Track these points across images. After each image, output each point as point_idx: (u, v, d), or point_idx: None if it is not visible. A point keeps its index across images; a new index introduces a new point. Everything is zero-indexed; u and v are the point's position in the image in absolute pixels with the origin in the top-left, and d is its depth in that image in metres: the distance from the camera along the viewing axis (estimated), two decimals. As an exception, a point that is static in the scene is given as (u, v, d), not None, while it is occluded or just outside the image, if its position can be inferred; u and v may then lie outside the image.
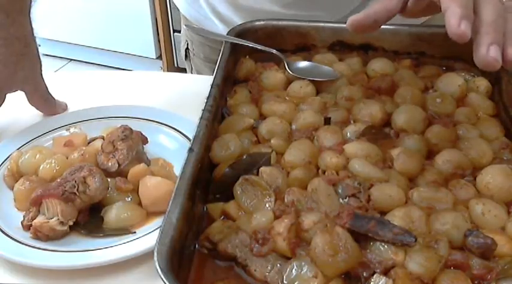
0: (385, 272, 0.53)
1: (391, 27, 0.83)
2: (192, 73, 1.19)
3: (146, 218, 0.72)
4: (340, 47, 0.86)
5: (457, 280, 0.51)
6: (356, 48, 0.85)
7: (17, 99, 0.91)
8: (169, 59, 2.86)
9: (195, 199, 0.59)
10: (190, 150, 0.61)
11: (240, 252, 0.56)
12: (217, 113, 0.72)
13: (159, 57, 2.86)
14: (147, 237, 0.68)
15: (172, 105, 0.92)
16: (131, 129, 0.80)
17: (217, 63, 0.77)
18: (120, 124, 0.81)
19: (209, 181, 0.65)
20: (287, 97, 0.78)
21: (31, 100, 0.92)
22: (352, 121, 0.73)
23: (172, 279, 0.48)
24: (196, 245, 0.58)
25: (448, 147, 0.67)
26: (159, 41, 2.80)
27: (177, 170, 0.74)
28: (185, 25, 1.06)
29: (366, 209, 0.58)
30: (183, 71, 1.28)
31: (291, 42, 0.87)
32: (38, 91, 0.92)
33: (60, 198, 0.69)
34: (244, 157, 0.66)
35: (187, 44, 1.16)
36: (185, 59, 1.20)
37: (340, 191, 0.60)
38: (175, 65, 2.88)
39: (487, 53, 0.57)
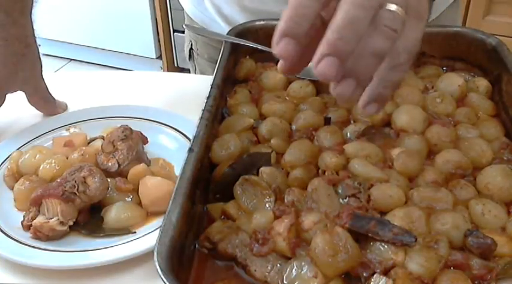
0: (385, 272, 0.53)
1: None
2: (195, 73, 1.19)
3: (146, 218, 0.72)
4: (340, 47, 0.85)
5: (457, 280, 0.51)
6: (356, 48, 0.85)
7: (17, 99, 0.91)
8: (169, 59, 2.86)
9: (195, 199, 0.59)
10: (190, 150, 0.61)
11: (240, 252, 0.56)
12: (217, 113, 0.72)
13: (159, 57, 2.86)
14: (147, 237, 0.68)
15: (172, 105, 0.92)
16: (131, 129, 0.80)
17: (217, 63, 0.77)
18: (120, 124, 0.81)
19: (209, 181, 0.65)
20: (287, 97, 0.78)
21: (31, 101, 0.92)
22: (352, 121, 0.73)
23: (172, 279, 0.48)
24: (196, 245, 0.58)
25: (448, 147, 0.67)
26: (159, 41, 2.80)
27: (177, 170, 0.74)
28: (185, 25, 1.06)
29: (366, 209, 0.58)
30: (183, 70, 1.28)
31: (291, 42, 0.87)
32: (38, 91, 0.92)
33: (60, 198, 0.69)
34: (244, 157, 0.66)
35: (191, 44, 1.16)
36: (189, 59, 1.20)
37: (340, 191, 0.60)
38: (175, 65, 2.88)
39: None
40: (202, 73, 1.16)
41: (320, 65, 0.46)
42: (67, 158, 0.79)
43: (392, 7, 0.48)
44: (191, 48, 1.17)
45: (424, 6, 0.53)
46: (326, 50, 0.46)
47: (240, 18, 0.98)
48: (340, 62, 0.46)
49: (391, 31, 0.48)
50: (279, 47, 0.48)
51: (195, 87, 0.93)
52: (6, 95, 0.90)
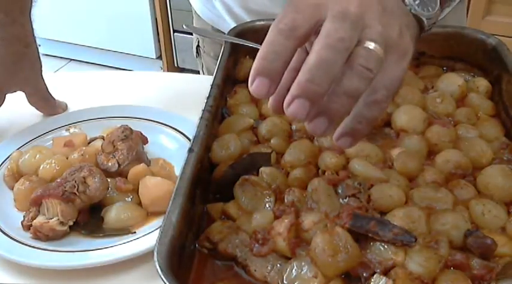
0: (385, 273, 0.53)
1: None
2: (202, 70, 1.20)
3: (146, 218, 0.72)
4: (340, 46, 0.85)
5: (457, 280, 0.51)
6: (356, 48, 0.85)
7: (17, 99, 0.91)
8: (169, 59, 2.86)
9: (195, 199, 0.59)
10: (190, 150, 0.61)
11: (240, 252, 0.56)
12: (217, 113, 0.72)
13: (159, 57, 2.86)
14: (147, 237, 0.68)
15: (172, 105, 0.92)
16: (131, 129, 0.80)
17: (217, 63, 0.77)
18: (120, 124, 0.81)
19: (209, 181, 0.65)
20: (287, 97, 0.78)
21: (31, 101, 0.92)
22: (352, 121, 0.72)
23: (172, 279, 0.48)
24: (196, 245, 0.58)
25: (448, 147, 0.67)
26: (159, 41, 2.80)
27: (177, 170, 0.74)
28: (186, 26, 1.06)
29: (366, 209, 0.58)
30: (183, 71, 1.28)
31: (291, 42, 0.86)
32: (38, 91, 0.92)
33: (60, 198, 0.69)
34: (244, 157, 0.66)
35: (198, 41, 1.16)
36: (196, 57, 1.21)
37: (340, 191, 0.60)
38: (175, 65, 2.88)
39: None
40: (208, 70, 1.17)
41: (291, 107, 0.45)
42: (67, 158, 0.79)
43: (371, 45, 0.47)
44: (198, 46, 1.17)
45: (407, 41, 0.52)
46: (296, 92, 0.45)
47: (248, 18, 0.98)
48: (311, 104, 0.45)
49: (366, 70, 0.46)
50: (253, 86, 0.47)
51: (195, 87, 0.93)
52: (6, 95, 0.90)
